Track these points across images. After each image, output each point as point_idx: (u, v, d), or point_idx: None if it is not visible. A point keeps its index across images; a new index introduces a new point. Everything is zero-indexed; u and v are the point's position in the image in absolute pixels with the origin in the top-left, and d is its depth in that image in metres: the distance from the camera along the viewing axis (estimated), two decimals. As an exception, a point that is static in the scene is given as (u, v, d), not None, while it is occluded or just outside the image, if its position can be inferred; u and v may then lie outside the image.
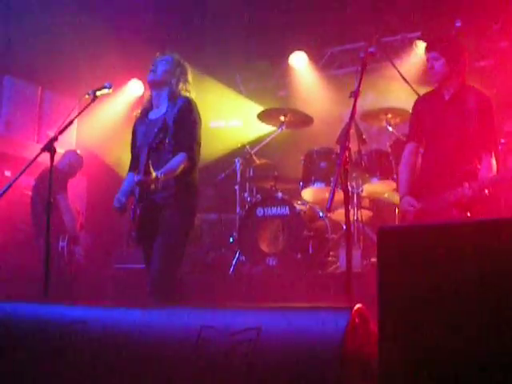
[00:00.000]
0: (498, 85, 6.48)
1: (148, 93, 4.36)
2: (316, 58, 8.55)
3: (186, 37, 7.67)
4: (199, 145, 4.09)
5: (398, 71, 6.08)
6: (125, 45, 7.29)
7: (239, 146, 7.06)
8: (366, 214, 6.20)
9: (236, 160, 6.85)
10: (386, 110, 6.32)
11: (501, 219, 1.90)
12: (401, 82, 6.01)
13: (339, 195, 3.21)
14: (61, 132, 4.04)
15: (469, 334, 1.83)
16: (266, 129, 7.72)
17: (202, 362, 2.24)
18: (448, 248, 1.93)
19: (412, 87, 5.75)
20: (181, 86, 4.14)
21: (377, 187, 5.97)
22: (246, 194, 6.81)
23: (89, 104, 4.21)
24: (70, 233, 6.22)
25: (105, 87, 4.24)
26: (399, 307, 1.96)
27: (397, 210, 5.86)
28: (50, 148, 3.94)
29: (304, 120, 6.92)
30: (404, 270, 1.98)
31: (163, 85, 4.14)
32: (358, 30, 7.73)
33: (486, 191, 3.94)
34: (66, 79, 7.28)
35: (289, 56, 8.51)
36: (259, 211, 6.15)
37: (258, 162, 6.79)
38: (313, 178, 6.14)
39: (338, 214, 6.01)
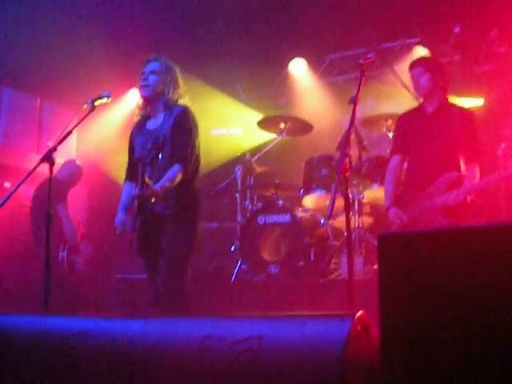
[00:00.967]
0: (497, 90, 6.49)
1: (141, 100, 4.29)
2: (316, 64, 8.56)
3: (186, 47, 7.68)
4: (196, 154, 4.05)
5: (398, 77, 6.09)
6: (124, 54, 7.28)
7: (239, 154, 7.06)
8: (367, 220, 6.19)
9: (236, 168, 6.84)
10: (386, 116, 6.31)
11: (501, 225, 1.89)
12: (400, 88, 6.02)
13: (340, 202, 3.21)
14: (59, 142, 4.01)
15: (471, 340, 1.82)
16: (266, 136, 7.73)
17: (204, 371, 2.24)
18: (449, 254, 1.92)
19: (411, 93, 5.75)
20: (174, 93, 4.12)
21: (378, 193, 5.95)
22: (246, 202, 6.80)
23: (87, 114, 4.18)
24: (70, 243, 6.20)
25: (103, 97, 4.21)
26: (401, 313, 1.95)
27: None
28: (48, 158, 3.91)
29: (304, 127, 6.91)
30: (405, 277, 1.97)
31: (158, 97, 4.12)
32: (358, 37, 7.74)
33: (469, 198, 4.19)
34: (64, 89, 7.27)
35: (288, 63, 8.53)
36: (260, 219, 6.15)
37: (258, 169, 6.79)
38: (314, 185, 6.15)
39: (340, 221, 6.01)
